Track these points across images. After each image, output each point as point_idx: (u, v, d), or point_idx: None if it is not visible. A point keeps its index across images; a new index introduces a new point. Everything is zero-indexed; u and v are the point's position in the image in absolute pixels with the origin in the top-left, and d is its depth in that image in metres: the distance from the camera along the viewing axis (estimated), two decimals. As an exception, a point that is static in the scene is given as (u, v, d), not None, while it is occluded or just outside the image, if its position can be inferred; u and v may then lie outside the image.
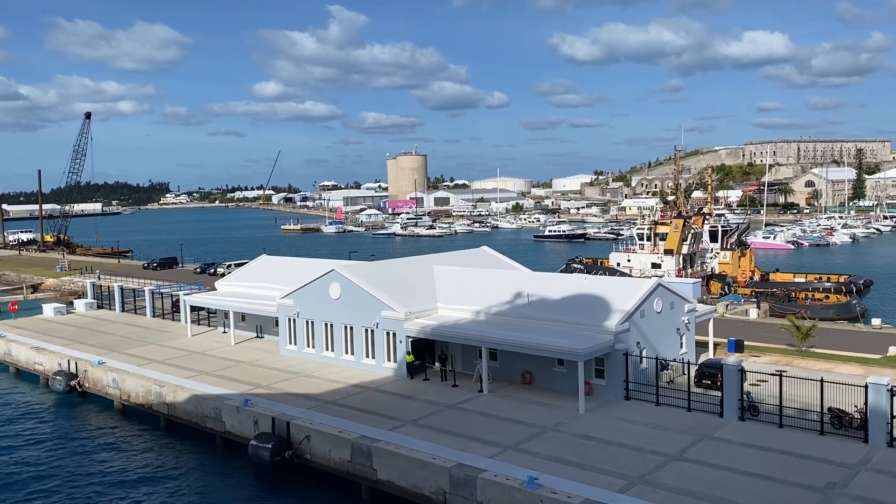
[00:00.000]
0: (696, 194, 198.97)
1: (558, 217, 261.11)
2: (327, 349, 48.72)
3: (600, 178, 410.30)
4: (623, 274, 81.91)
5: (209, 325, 62.74)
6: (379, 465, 32.87)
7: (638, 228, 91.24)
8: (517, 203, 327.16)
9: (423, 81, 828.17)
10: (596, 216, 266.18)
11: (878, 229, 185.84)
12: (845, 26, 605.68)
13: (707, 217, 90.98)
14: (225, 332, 58.76)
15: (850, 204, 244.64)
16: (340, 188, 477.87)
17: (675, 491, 27.32)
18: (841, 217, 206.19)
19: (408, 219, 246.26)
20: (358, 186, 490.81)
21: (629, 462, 30.19)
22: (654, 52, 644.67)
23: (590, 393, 38.19)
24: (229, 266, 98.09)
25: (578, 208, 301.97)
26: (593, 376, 39.01)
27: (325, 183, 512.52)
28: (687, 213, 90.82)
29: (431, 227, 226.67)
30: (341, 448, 34.46)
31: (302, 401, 40.36)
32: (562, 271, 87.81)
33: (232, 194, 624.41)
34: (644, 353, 39.99)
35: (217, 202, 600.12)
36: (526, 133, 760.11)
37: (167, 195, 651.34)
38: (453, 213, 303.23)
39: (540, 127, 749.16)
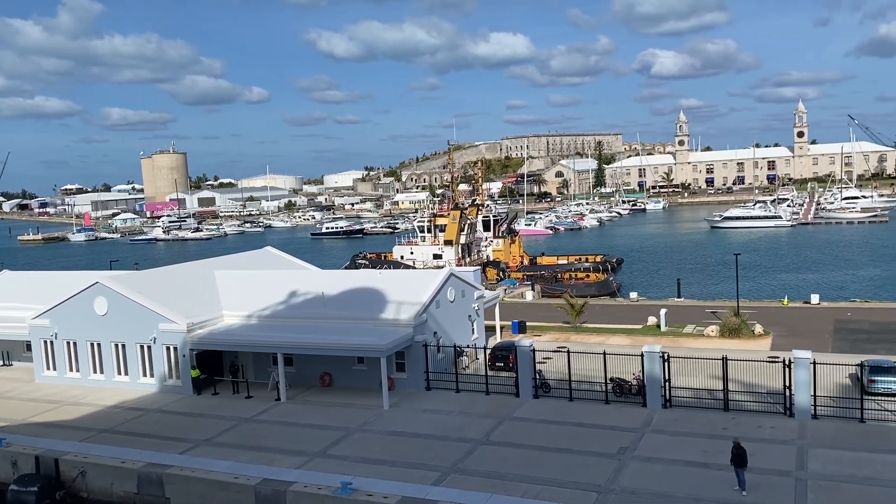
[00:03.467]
0: (462, 187, 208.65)
1: (334, 214, 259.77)
2: (95, 371, 43.50)
3: (372, 173, 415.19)
4: (407, 266, 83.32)
5: (-62, 357, 53.04)
6: (172, 493, 29.81)
7: (419, 221, 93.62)
8: (290, 201, 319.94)
9: (174, 75, 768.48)
10: (371, 211, 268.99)
11: (619, 213, 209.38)
12: (577, 30, 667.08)
13: (480, 208, 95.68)
14: (-39, 364, 50.05)
15: (594, 191, 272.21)
16: (87, 191, 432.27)
17: (487, 475, 27.85)
18: (588, 204, 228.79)
19: (170, 222, 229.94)
20: (108, 189, 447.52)
21: (439, 453, 30.31)
22: (410, 50, 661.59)
23: (392, 388, 37.89)
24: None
25: (353, 204, 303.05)
26: (394, 370, 38.77)
27: (69, 186, 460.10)
28: (462, 204, 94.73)
29: (198, 230, 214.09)
30: (125, 480, 30.75)
31: (71, 432, 35.51)
32: (347, 267, 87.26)
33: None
34: (441, 343, 40.60)
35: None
36: (290, 129, 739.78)
37: None
38: (221, 214, 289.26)
39: (304, 123, 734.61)
